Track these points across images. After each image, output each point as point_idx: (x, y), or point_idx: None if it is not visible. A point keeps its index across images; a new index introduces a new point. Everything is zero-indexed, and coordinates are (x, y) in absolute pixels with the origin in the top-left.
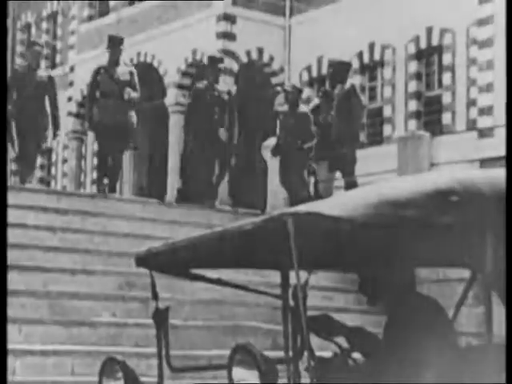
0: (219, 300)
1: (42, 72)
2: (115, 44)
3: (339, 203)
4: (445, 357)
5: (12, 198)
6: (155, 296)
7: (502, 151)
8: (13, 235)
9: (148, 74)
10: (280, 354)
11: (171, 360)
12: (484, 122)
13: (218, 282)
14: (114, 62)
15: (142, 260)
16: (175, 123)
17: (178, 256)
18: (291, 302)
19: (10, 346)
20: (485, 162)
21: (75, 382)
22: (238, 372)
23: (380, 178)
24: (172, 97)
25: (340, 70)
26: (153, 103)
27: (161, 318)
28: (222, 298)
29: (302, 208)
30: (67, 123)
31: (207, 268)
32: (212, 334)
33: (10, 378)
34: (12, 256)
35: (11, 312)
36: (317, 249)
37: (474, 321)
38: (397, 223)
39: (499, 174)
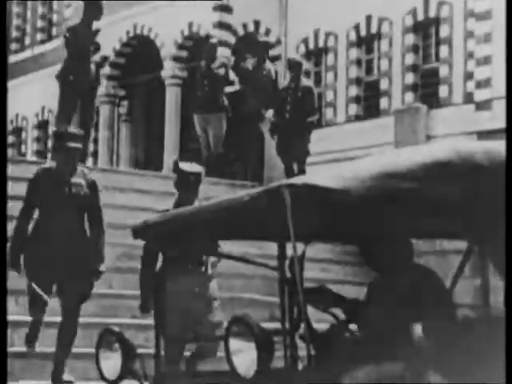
0: (217, 272)
1: (79, 177)
2: (194, 183)
3: (336, 175)
4: (443, 328)
5: (9, 170)
6: None
7: (499, 124)
8: (10, 206)
9: (144, 46)
10: (277, 325)
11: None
12: (481, 95)
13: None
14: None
15: (139, 232)
16: (171, 96)
17: (175, 228)
18: (288, 274)
19: (8, 317)
20: (482, 135)
21: (72, 353)
22: (235, 343)
23: (377, 150)
24: (169, 70)
25: (293, 67)
26: (149, 76)
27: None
28: (219, 270)
29: (299, 180)
30: None
31: (204, 240)
32: None
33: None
34: (9, 226)
35: (8, 284)
36: (314, 220)
37: (470, 292)
38: (394, 195)
39: (497, 145)
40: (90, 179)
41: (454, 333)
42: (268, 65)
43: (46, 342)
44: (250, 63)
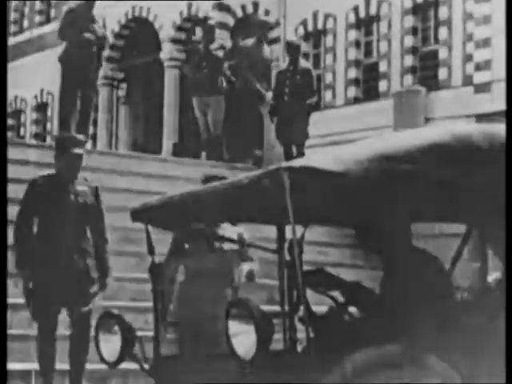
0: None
1: (83, 185)
2: None
3: (335, 157)
4: (441, 310)
5: (9, 153)
6: (151, 250)
7: (498, 106)
8: (9, 190)
9: (143, 28)
10: (276, 308)
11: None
12: (480, 77)
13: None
14: None
15: (138, 214)
16: (170, 78)
17: (174, 210)
18: (287, 257)
19: (8, 300)
20: (481, 117)
21: None
22: (234, 326)
23: (376, 133)
24: (167, 51)
25: (292, 49)
26: (147, 58)
27: (157, 272)
28: None
29: (298, 162)
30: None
31: (203, 223)
32: None
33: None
34: (10, 211)
35: (8, 267)
36: (313, 203)
37: (469, 275)
38: (392, 177)
39: (496, 128)
40: (93, 186)
41: (452, 315)
42: (265, 45)
43: None
44: (247, 42)
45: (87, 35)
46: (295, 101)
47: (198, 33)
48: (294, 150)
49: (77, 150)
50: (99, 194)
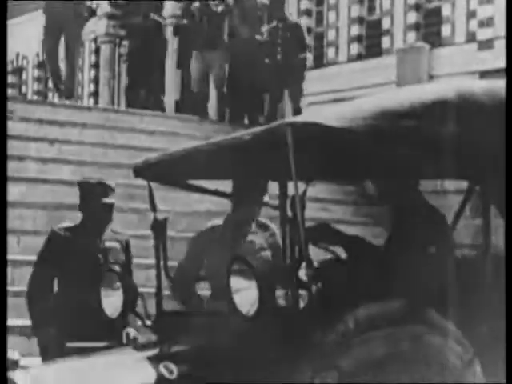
0: (216, 211)
1: (112, 240)
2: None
3: (338, 114)
4: (443, 266)
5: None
6: (153, 207)
7: (501, 63)
8: (10, 147)
9: None
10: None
11: (169, 271)
12: (484, 34)
13: (216, 193)
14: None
15: (140, 171)
16: (171, 35)
17: (176, 167)
18: (289, 213)
19: (9, 256)
20: (484, 74)
21: None
22: (236, 281)
23: (379, 89)
24: (169, 10)
25: (275, 6)
26: (148, 17)
27: (159, 229)
28: (218, 210)
29: (301, 118)
30: None
31: (205, 179)
32: None
33: (8, 288)
34: (10, 168)
35: (9, 223)
36: (315, 159)
37: (471, 232)
38: (395, 134)
39: (499, 84)
40: (123, 240)
41: (455, 271)
42: None
43: None
44: None
45: None
46: (287, 57)
47: None
48: (291, 106)
49: (107, 200)
50: (130, 249)
